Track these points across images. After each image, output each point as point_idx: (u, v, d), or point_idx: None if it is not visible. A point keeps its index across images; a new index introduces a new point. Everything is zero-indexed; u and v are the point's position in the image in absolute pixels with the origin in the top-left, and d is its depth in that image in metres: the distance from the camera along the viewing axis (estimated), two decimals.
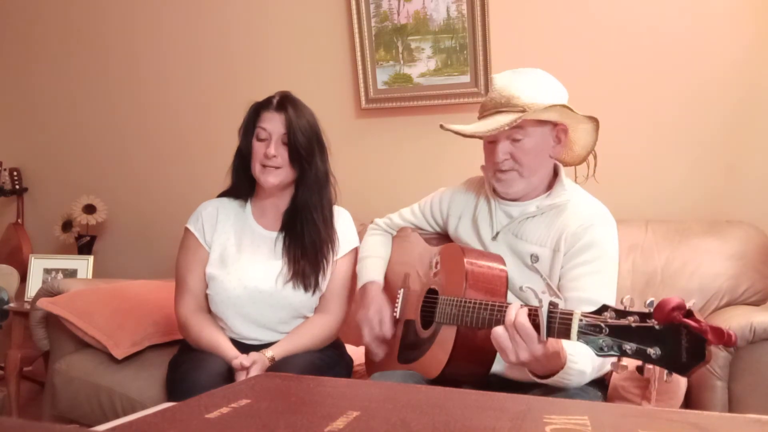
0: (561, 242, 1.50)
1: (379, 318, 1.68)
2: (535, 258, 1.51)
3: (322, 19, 2.77)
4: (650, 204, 2.30)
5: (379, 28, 2.65)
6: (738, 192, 2.25)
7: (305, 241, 1.82)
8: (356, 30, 2.66)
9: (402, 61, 2.65)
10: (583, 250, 1.48)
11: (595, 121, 1.55)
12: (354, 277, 1.90)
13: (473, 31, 2.51)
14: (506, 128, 1.48)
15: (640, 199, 2.30)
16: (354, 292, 1.92)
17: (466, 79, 2.55)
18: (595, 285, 1.45)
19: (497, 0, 2.46)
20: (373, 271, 1.78)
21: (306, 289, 1.81)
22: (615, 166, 2.29)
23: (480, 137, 1.57)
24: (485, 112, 1.57)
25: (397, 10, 2.62)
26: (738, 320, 1.64)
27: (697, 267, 2.02)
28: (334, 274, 1.87)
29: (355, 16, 2.65)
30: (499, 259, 1.53)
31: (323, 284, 1.85)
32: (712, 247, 2.04)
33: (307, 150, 1.79)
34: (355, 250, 1.92)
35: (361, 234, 1.95)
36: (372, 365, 1.84)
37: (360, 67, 2.69)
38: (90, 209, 3.14)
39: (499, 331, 1.25)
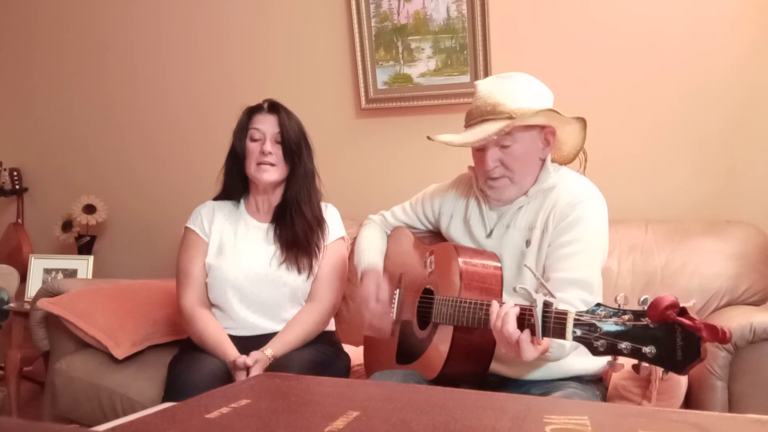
0: (549, 220, 1.50)
1: (375, 295, 1.68)
2: (528, 243, 1.51)
3: (322, 19, 2.77)
4: (650, 204, 2.30)
5: (379, 28, 2.65)
6: (738, 192, 2.25)
7: (296, 229, 1.92)
8: (356, 30, 2.66)
9: (402, 61, 2.65)
10: (569, 228, 1.47)
11: (582, 120, 1.55)
12: (343, 265, 1.98)
13: (473, 31, 2.51)
14: (494, 137, 1.48)
15: (640, 199, 2.30)
16: (343, 281, 2.00)
17: (466, 79, 2.55)
18: (580, 264, 1.44)
19: (497, 0, 2.46)
20: (370, 259, 1.78)
21: (300, 271, 1.89)
22: (615, 166, 2.29)
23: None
24: (472, 120, 1.56)
25: (397, 10, 2.62)
26: (738, 320, 1.64)
27: (697, 267, 2.01)
28: (322, 260, 1.94)
29: (355, 16, 2.65)
30: (494, 257, 1.54)
31: (316, 268, 1.92)
32: (712, 247, 2.04)
33: (298, 147, 1.92)
34: (343, 239, 2.01)
35: (358, 233, 1.96)
36: (371, 365, 1.84)
37: (360, 67, 2.69)
38: (90, 209, 3.14)
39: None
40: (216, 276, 1.88)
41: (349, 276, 2.04)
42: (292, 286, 1.89)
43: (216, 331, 1.84)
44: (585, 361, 1.50)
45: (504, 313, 1.26)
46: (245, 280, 1.87)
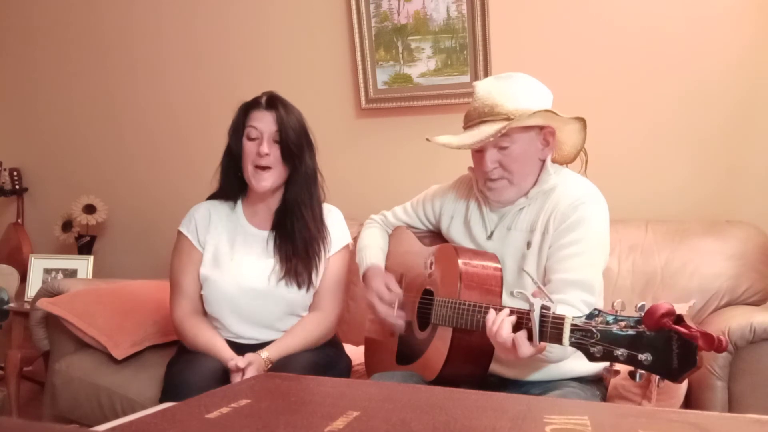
0: (550, 222, 1.50)
1: (385, 285, 1.67)
2: (529, 245, 1.51)
3: (322, 19, 2.77)
4: (650, 204, 2.30)
5: (379, 28, 2.65)
6: (738, 192, 2.25)
7: (296, 239, 1.82)
8: (356, 30, 2.66)
9: (402, 61, 2.65)
10: (570, 230, 1.47)
11: (581, 120, 1.54)
12: (347, 274, 1.92)
13: (473, 31, 2.50)
14: (491, 139, 1.47)
15: (640, 199, 2.30)
16: (347, 290, 1.95)
17: (466, 79, 2.54)
18: (581, 266, 1.44)
19: (497, 0, 2.46)
20: (373, 257, 1.77)
21: (299, 286, 1.81)
22: (615, 165, 2.29)
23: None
24: (470, 122, 1.55)
25: (397, 10, 2.62)
26: (738, 320, 1.64)
27: (697, 267, 2.01)
28: (326, 271, 1.87)
29: (355, 16, 2.65)
30: (494, 258, 1.53)
31: (316, 281, 1.85)
32: (712, 247, 2.04)
33: (298, 147, 1.79)
34: (347, 247, 1.93)
35: (358, 232, 1.95)
36: (372, 366, 1.84)
37: (360, 67, 2.69)
38: (90, 209, 3.14)
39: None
40: (212, 290, 1.80)
41: (351, 277, 2.04)
42: (290, 301, 1.82)
43: (207, 338, 1.78)
44: (584, 363, 1.50)
45: (500, 321, 1.26)
46: (242, 297, 1.79)
